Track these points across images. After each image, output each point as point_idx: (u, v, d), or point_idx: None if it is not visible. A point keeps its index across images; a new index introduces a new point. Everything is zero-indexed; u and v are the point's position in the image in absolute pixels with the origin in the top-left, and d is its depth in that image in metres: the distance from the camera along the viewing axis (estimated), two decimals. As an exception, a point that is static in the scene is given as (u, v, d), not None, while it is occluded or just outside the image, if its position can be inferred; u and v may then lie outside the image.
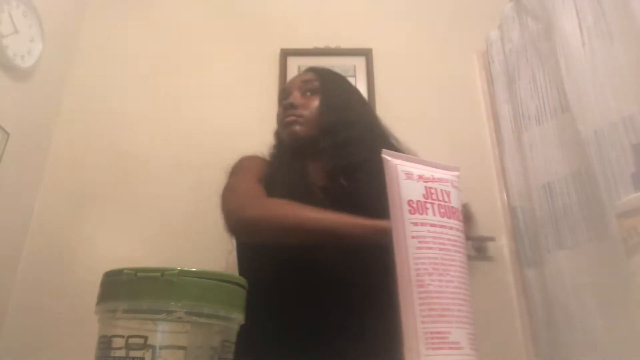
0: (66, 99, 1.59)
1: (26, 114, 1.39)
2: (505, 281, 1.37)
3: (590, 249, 1.07)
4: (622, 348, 0.93)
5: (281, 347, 0.82)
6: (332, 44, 1.66)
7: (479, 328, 0.48)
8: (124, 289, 0.38)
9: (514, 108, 1.39)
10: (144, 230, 1.43)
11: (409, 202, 0.45)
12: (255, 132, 1.55)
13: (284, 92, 1.09)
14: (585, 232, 1.09)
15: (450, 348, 0.41)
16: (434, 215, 0.45)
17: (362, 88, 1.60)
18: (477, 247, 1.39)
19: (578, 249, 1.10)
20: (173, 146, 1.52)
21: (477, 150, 1.53)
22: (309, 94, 1.04)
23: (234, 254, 1.06)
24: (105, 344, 0.37)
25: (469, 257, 0.47)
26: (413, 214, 0.45)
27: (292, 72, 1.62)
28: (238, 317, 0.41)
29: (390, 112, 1.56)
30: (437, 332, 0.41)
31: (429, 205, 0.46)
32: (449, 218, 0.46)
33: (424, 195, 0.46)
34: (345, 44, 1.65)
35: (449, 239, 0.45)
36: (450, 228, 0.46)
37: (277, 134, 1.13)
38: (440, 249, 0.44)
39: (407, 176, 0.47)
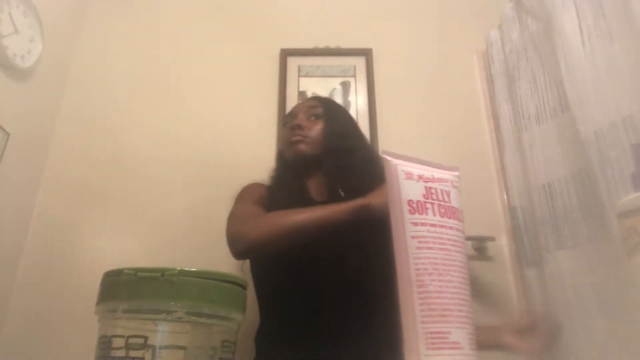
0: (66, 99, 1.59)
1: (26, 114, 1.39)
2: (505, 281, 1.37)
3: (590, 249, 1.06)
4: (622, 348, 0.93)
5: (304, 346, 0.89)
6: (332, 44, 1.66)
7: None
8: (124, 289, 0.38)
9: (514, 108, 1.39)
10: (144, 230, 1.43)
11: (409, 202, 0.45)
12: (255, 131, 1.56)
13: (290, 116, 1.19)
14: (585, 232, 1.08)
15: (450, 348, 0.41)
16: (434, 215, 0.45)
17: (362, 88, 1.60)
18: (477, 247, 1.39)
19: (578, 249, 1.10)
20: (173, 146, 1.52)
21: (477, 150, 1.53)
22: (313, 118, 1.15)
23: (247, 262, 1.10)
24: (105, 344, 0.37)
25: (469, 257, 0.47)
26: (413, 214, 0.45)
27: (292, 72, 1.62)
28: (238, 317, 0.41)
29: (390, 112, 1.57)
30: (437, 332, 0.41)
31: (429, 205, 0.46)
32: (449, 218, 0.46)
33: (424, 195, 0.46)
34: (345, 44, 1.66)
35: (449, 239, 0.45)
36: (450, 228, 0.46)
37: (279, 156, 1.23)
38: (440, 249, 0.44)
39: (407, 176, 0.47)
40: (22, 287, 1.34)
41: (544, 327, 0.93)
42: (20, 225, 1.38)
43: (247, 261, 1.09)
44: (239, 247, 0.93)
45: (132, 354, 0.36)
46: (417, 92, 1.61)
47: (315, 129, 1.12)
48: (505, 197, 1.43)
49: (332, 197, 1.03)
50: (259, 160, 1.47)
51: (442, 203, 0.46)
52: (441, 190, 0.47)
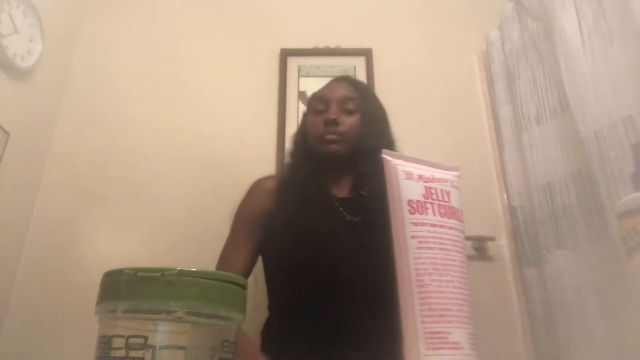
0: (66, 99, 1.59)
1: (26, 114, 1.39)
2: (505, 281, 1.37)
3: (590, 249, 1.06)
4: (622, 348, 0.93)
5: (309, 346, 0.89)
6: (332, 44, 1.66)
7: (479, 328, 0.48)
8: (124, 289, 0.38)
9: (514, 108, 1.39)
10: (144, 230, 1.43)
11: (409, 202, 0.45)
12: (255, 131, 1.56)
13: (321, 102, 1.09)
14: (585, 232, 1.09)
15: (451, 348, 0.41)
16: (434, 215, 0.45)
17: (362, 88, 1.60)
18: (477, 247, 1.39)
19: (578, 249, 1.10)
20: (173, 146, 1.52)
21: (477, 150, 1.53)
22: (349, 110, 1.06)
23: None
24: (105, 344, 0.37)
25: (469, 257, 0.47)
26: (413, 214, 0.45)
27: (292, 72, 1.62)
28: (238, 317, 0.41)
29: (390, 112, 1.56)
30: (437, 332, 0.41)
31: (429, 205, 0.46)
32: (449, 218, 0.46)
33: (424, 195, 0.46)
34: (345, 44, 1.65)
35: (449, 239, 0.45)
36: (450, 228, 0.46)
37: (299, 142, 1.14)
38: (440, 249, 0.44)
39: (407, 176, 0.47)
40: (23, 287, 1.34)
41: None
42: (20, 225, 1.38)
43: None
44: None
45: (132, 354, 0.35)
46: (417, 92, 1.61)
47: (351, 125, 1.04)
48: (505, 197, 1.43)
49: (354, 195, 1.03)
50: (259, 160, 1.47)
51: (442, 203, 0.46)
52: (441, 190, 0.47)
